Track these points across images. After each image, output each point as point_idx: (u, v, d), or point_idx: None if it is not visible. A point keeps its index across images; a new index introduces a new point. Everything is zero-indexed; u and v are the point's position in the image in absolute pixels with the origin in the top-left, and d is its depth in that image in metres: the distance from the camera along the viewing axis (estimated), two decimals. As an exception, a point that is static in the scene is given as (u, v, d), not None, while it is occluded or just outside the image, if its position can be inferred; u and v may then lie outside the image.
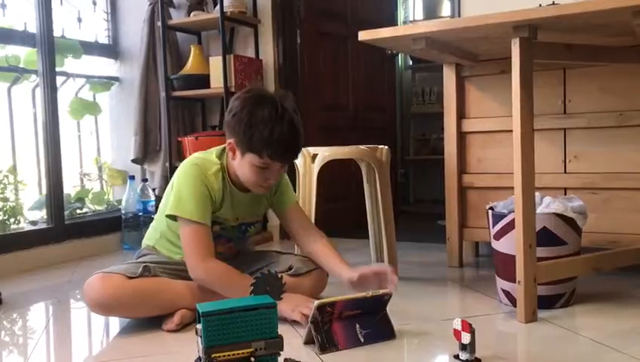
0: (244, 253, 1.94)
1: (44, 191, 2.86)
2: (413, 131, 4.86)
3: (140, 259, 1.81)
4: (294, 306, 1.62)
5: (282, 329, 1.54)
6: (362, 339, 1.50)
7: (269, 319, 1.14)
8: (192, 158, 1.76)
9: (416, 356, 1.47)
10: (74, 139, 3.29)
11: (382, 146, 2.29)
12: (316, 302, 1.45)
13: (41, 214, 2.86)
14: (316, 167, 2.16)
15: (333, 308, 1.48)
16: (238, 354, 1.11)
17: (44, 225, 2.78)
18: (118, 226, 3.04)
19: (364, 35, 1.91)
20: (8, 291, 2.15)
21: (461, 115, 2.36)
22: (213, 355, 1.10)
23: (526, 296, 1.65)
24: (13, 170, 2.82)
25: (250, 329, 1.13)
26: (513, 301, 1.74)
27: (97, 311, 1.65)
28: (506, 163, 2.19)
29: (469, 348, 1.37)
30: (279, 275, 1.25)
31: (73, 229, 2.85)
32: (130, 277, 1.65)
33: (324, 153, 2.18)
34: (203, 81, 2.98)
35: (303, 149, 2.23)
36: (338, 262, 1.78)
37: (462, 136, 2.37)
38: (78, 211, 3.09)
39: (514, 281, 1.67)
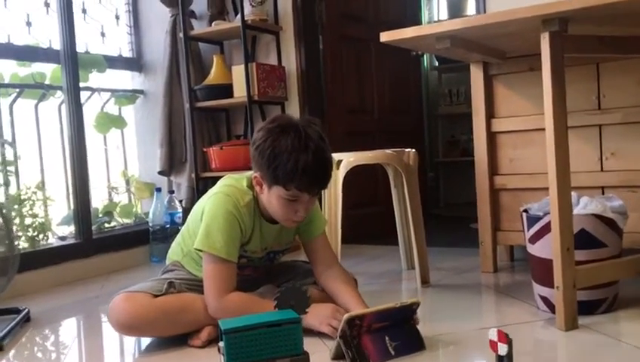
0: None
1: (72, 207, 2.86)
2: (442, 133, 4.77)
3: (165, 276, 1.78)
4: (322, 318, 1.56)
5: (310, 342, 1.50)
6: (393, 352, 1.43)
7: (293, 335, 1.10)
8: (224, 188, 1.67)
9: (451, 369, 1.40)
10: (101, 153, 3.31)
11: (409, 150, 2.23)
12: (345, 316, 1.39)
13: (70, 229, 2.86)
14: (341, 174, 2.12)
15: (362, 320, 1.42)
16: (262, 372, 1.07)
17: (72, 241, 2.78)
18: (146, 239, 3.03)
19: (386, 37, 1.85)
20: (39, 307, 2.15)
21: (490, 114, 2.29)
22: (237, 375, 1.06)
23: (565, 302, 1.57)
24: (42, 186, 2.83)
25: (275, 345, 1.09)
26: (552, 307, 1.66)
27: (124, 331, 1.62)
28: (539, 162, 2.11)
29: (506, 359, 1.30)
30: (304, 288, 1.20)
31: (101, 243, 2.84)
32: (156, 295, 1.62)
33: (349, 159, 2.13)
34: (226, 90, 2.95)
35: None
36: (355, 304, 1.61)
37: (492, 137, 2.29)
38: (107, 225, 3.09)
39: (552, 287, 1.60)
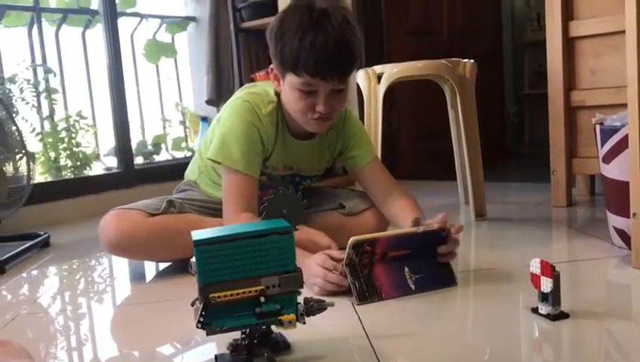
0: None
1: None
2: (529, 63, 4.27)
3: (177, 195, 1.60)
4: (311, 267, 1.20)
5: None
6: (413, 286, 1.17)
7: (283, 248, 0.85)
8: (245, 93, 1.46)
9: (481, 309, 1.11)
10: (154, 83, 3.18)
11: (466, 60, 1.89)
12: (351, 240, 1.14)
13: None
14: (381, 89, 1.83)
15: (374, 246, 1.16)
16: (243, 293, 0.84)
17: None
18: (193, 171, 2.89)
19: None
20: (68, 235, 2.06)
21: (568, 15, 1.90)
22: (211, 295, 0.83)
23: (645, 234, 1.23)
24: (82, 115, 2.73)
25: (259, 261, 0.85)
26: (628, 241, 1.32)
27: (113, 251, 1.45)
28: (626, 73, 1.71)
29: (551, 298, 1.00)
30: (299, 194, 0.95)
31: (143, 174, 2.73)
32: (153, 214, 1.44)
33: (392, 70, 1.83)
34: (272, 7, 2.70)
35: (367, 69, 1.90)
36: (409, 215, 1.36)
37: (570, 43, 1.91)
38: (155, 157, 2.98)
39: (628, 216, 1.25)
